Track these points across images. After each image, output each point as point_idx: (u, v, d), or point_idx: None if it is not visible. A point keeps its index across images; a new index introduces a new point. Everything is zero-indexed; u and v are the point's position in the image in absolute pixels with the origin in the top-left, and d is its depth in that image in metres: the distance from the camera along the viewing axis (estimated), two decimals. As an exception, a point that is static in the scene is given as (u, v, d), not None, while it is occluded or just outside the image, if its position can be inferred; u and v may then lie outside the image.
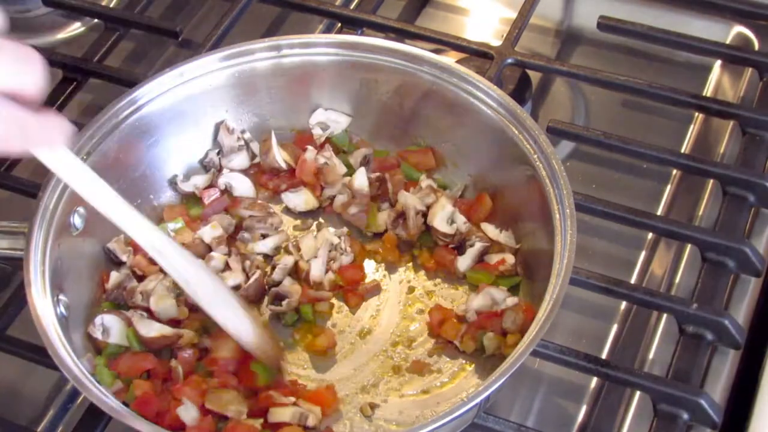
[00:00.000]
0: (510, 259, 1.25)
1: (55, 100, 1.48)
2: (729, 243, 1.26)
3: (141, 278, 1.25)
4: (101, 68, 1.51)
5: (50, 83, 1.49)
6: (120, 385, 1.14)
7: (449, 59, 1.35)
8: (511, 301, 1.20)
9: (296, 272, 1.28)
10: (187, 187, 1.34)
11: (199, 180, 1.35)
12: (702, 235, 1.28)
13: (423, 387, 1.19)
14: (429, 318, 1.23)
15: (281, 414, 1.12)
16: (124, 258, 1.26)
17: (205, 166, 1.36)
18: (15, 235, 1.17)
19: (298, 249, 1.29)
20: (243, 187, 1.35)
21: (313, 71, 1.35)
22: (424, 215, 1.29)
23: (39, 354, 1.14)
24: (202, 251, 1.29)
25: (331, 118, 1.38)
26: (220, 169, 1.36)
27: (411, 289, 1.28)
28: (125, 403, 1.12)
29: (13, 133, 0.94)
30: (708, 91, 1.54)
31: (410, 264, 1.30)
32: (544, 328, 1.06)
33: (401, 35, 1.51)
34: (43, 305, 1.11)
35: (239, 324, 1.16)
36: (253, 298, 1.26)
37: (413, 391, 1.19)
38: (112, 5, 1.72)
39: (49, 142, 1.02)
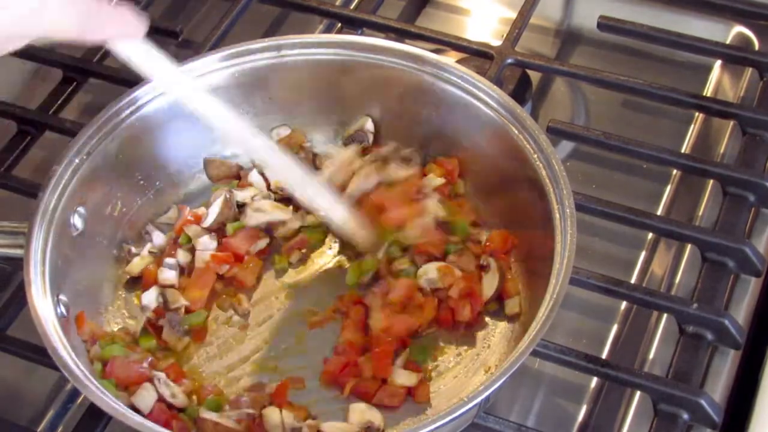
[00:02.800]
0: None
1: (55, 100, 1.48)
2: (729, 243, 1.26)
3: None
4: (101, 68, 1.51)
5: (50, 83, 1.51)
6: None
7: (449, 59, 1.35)
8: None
9: None
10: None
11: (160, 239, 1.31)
12: (702, 235, 1.28)
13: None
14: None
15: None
16: None
17: None
18: (15, 235, 1.17)
19: None
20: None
21: (313, 71, 1.35)
22: None
23: (39, 354, 1.14)
24: None
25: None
26: None
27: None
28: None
29: (91, 22, 0.97)
30: (708, 91, 1.54)
31: None
32: (544, 328, 1.06)
33: (401, 35, 1.51)
34: (43, 305, 1.11)
35: (338, 209, 1.25)
36: None
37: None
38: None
39: (127, 34, 1.05)
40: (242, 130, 1.20)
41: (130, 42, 1.07)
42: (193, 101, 1.17)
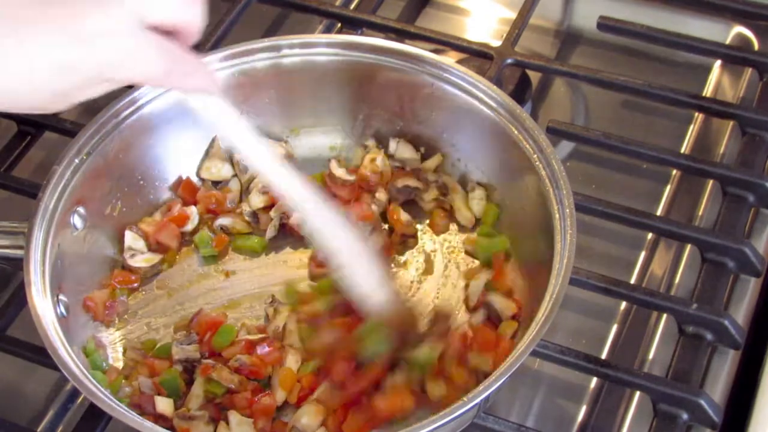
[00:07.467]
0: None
1: (55, 100, 1.48)
2: (729, 243, 1.26)
3: None
4: (101, 68, 1.51)
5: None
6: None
7: (449, 59, 1.35)
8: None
9: None
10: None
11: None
12: (702, 236, 1.28)
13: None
14: None
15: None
16: None
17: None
18: (15, 235, 1.17)
19: None
20: None
21: (313, 71, 1.35)
22: None
23: (39, 354, 1.14)
24: None
25: None
26: None
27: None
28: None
29: (176, 70, 0.94)
30: (708, 91, 1.54)
31: None
32: (544, 328, 1.06)
33: (401, 35, 1.51)
34: (43, 305, 1.11)
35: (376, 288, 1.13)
36: None
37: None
38: (112, 5, 1.72)
39: (206, 88, 1.02)
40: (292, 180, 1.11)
41: (205, 96, 1.03)
42: (254, 160, 1.10)
